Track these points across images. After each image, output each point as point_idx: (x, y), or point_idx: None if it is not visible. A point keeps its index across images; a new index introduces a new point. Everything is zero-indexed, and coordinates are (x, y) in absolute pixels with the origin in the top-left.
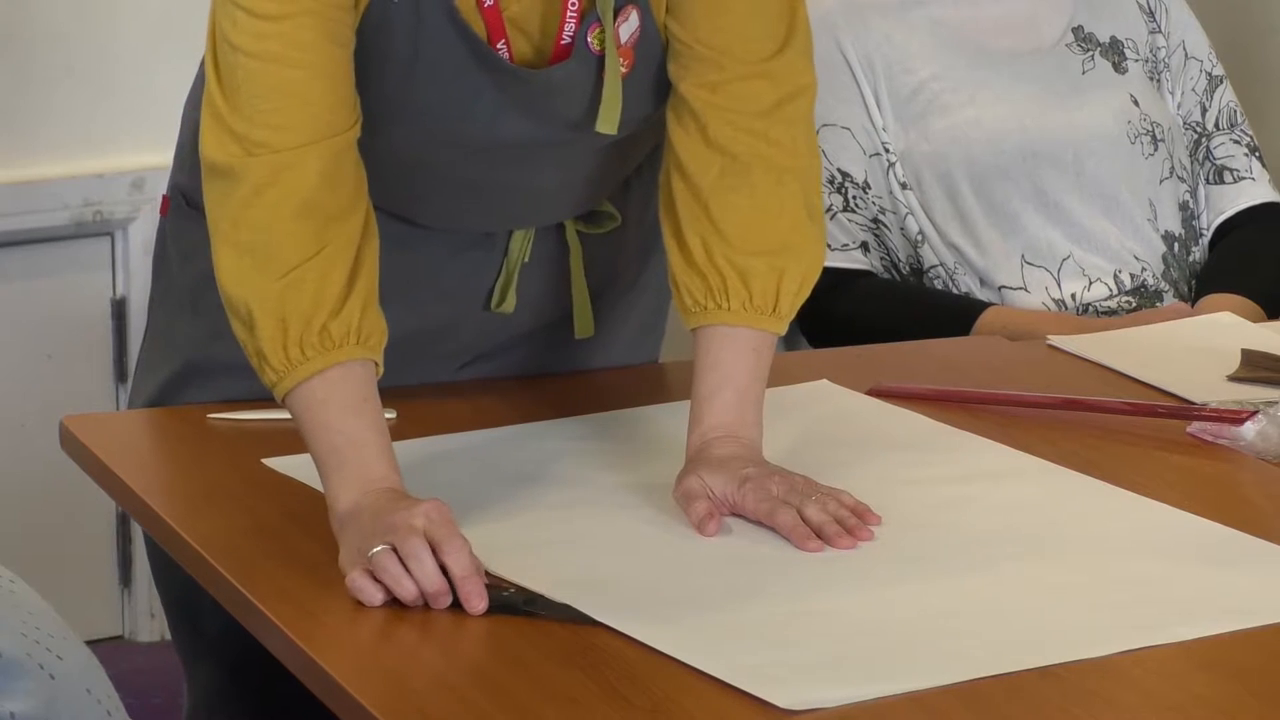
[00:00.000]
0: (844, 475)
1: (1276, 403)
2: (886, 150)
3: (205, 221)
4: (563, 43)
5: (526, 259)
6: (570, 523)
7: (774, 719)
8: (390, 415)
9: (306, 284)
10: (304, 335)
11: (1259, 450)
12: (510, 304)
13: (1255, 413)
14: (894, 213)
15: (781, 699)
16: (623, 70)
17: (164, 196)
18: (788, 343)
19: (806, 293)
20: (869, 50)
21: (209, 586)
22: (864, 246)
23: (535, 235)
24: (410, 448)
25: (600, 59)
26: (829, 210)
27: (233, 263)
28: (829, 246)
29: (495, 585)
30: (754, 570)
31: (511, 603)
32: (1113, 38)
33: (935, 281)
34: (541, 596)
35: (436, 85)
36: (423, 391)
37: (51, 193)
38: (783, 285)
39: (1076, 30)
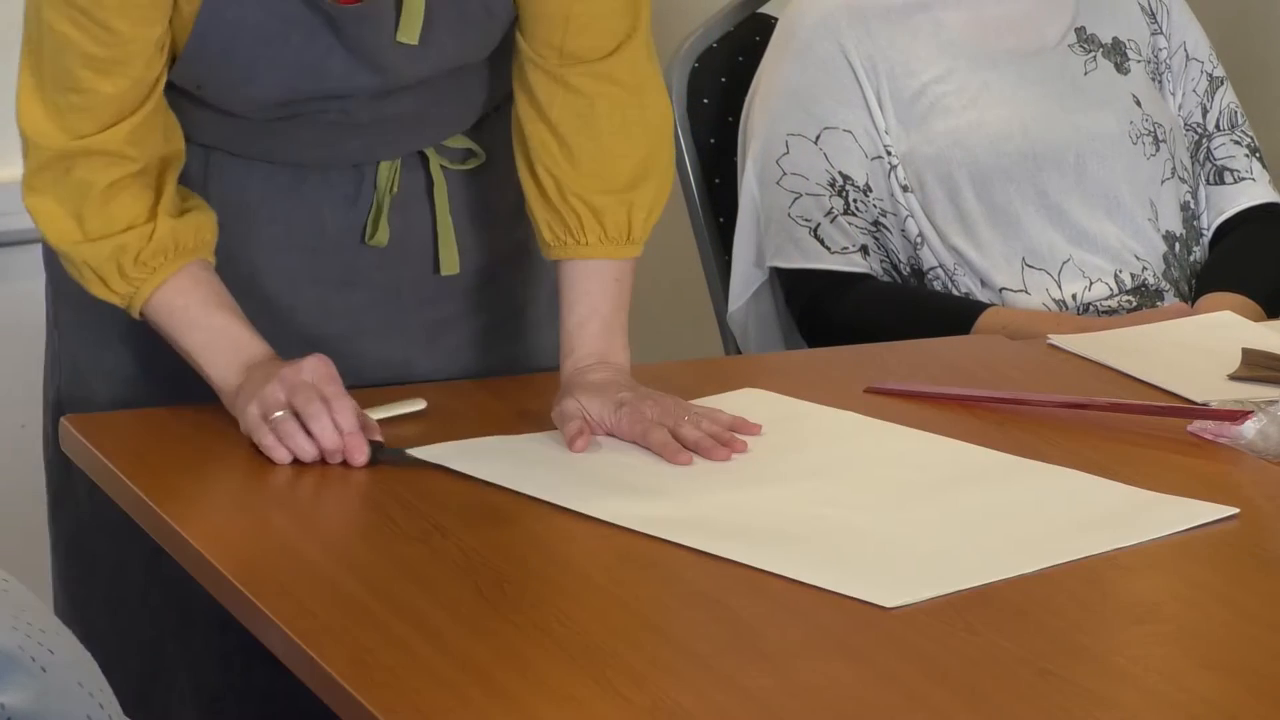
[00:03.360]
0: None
1: (1277, 402)
2: (888, 153)
3: None
4: None
5: (395, 189)
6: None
7: (775, 716)
8: (420, 406)
9: (130, 239)
10: (140, 257)
11: (1259, 450)
12: (383, 236)
13: (1255, 412)
14: (894, 215)
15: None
16: None
17: None
18: (787, 343)
19: (658, 214)
20: (872, 53)
21: (209, 586)
22: (863, 250)
23: (402, 172)
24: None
25: None
26: (829, 213)
27: (60, 223)
28: (828, 250)
29: (375, 444)
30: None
31: (397, 458)
32: (1115, 38)
33: (935, 283)
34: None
35: (290, 45)
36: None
37: None
38: (634, 215)
39: (1079, 31)
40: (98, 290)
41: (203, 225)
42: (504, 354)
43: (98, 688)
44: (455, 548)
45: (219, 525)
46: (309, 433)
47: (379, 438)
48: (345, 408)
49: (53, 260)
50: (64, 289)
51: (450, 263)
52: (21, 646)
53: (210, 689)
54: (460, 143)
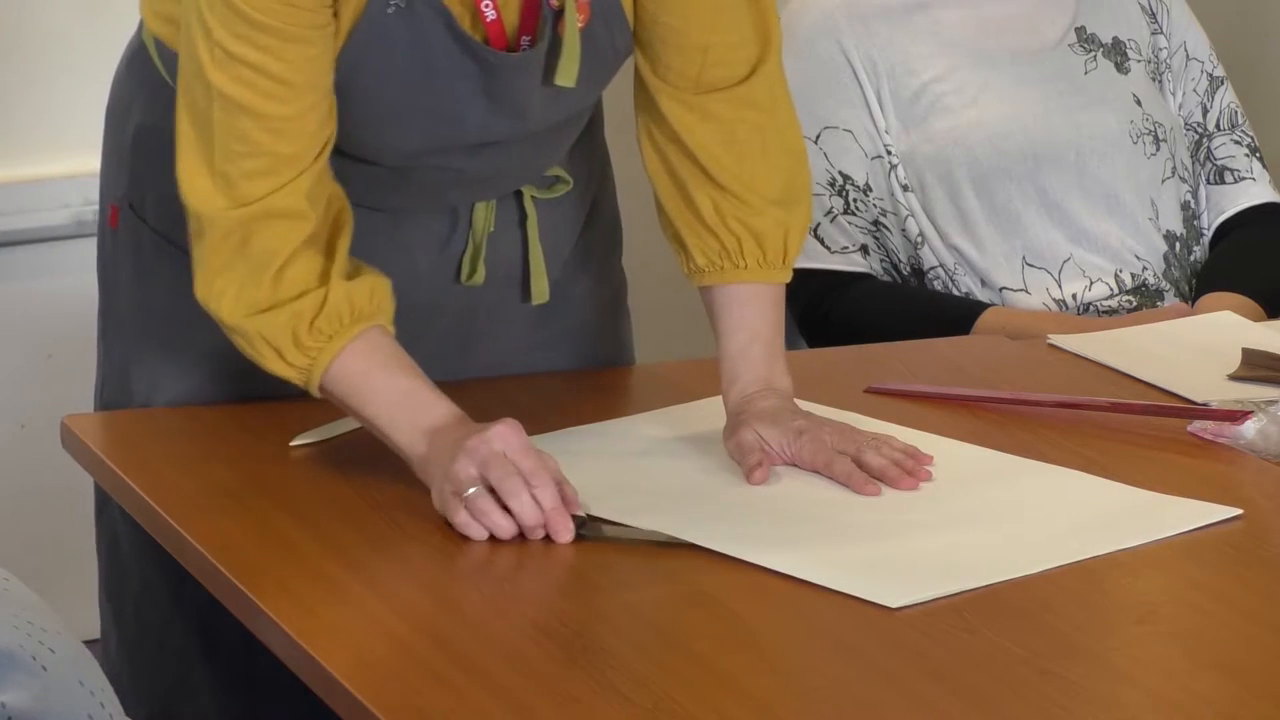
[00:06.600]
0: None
1: (1277, 402)
2: (889, 152)
3: (164, 241)
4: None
5: (492, 228)
6: (646, 475)
7: (775, 716)
8: (352, 427)
9: (305, 305)
10: (315, 324)
11: (1259, 449)
12: (480, 276)
13: (1255, 412)
14: (894, 214)
15: (888, 598)
16: (579, 23)
17: (112, 206)
18: (788, 343)
19: (805, 237)
20: (872, 53)
21: (210, 586)
22: (863, 249)
23: (496, 206)
24: None
25: (560, 14)
26: (829, 213)
27: (236, 297)
28: (828, 249)
29: (577, 518)
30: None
31: (597, 533)
32: (1115, 38)
33: (935, 283)
34: (615, 522)
35: (434, 91)
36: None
37: (52, 192)
38: (789, 239)
39: (1079, 31)
40: (274, 366)
41: (377, 288)
42: (570, 365)
43: (98, 686)
44: (456, 547)
45: (219, 524)
46: (506, 509)
47: (580, 511)
48: (545, 481)
49: (110, 283)
50: (121, 317)
51: (541, 292)
52: (22, 645)
53: (234, 712)
54: (552, 171)
